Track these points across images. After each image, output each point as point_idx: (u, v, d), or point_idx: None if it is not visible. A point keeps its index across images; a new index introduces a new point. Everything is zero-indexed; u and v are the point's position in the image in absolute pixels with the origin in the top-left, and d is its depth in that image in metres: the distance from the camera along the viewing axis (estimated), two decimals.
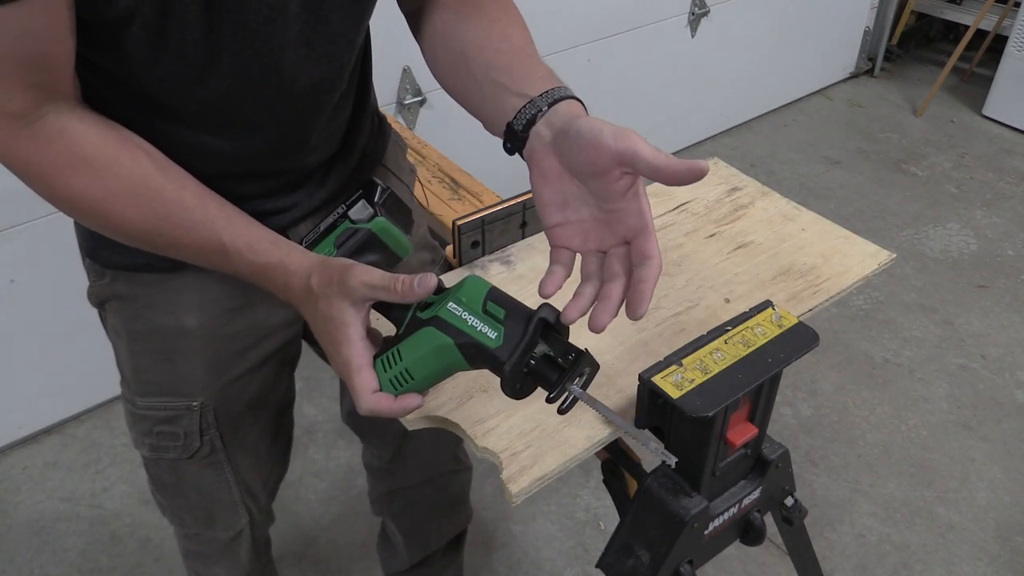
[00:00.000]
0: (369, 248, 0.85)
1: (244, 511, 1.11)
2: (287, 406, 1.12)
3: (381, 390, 0.72)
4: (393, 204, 0.87)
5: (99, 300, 0.96)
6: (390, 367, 0.72)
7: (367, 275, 0.70)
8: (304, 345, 1.09)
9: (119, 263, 0.90)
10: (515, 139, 0.75)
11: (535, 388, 0.72)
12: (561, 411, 0.71)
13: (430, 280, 0.69)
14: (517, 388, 0.70)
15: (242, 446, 1.04)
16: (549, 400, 0.70)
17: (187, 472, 1.03)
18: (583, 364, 0.70)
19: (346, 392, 1.27)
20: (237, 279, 0.82)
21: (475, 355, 0.69)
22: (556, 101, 0.73)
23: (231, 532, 1.13)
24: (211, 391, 0.96)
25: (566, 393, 0.70)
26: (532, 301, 1.01)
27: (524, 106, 0.74)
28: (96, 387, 2.03)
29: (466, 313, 0.69)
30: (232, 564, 1.19)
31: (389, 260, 0.87)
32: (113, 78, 0.75)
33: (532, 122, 0.73)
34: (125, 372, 0.99)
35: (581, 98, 0.76)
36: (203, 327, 0.93)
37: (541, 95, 0.74)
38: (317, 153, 0.90)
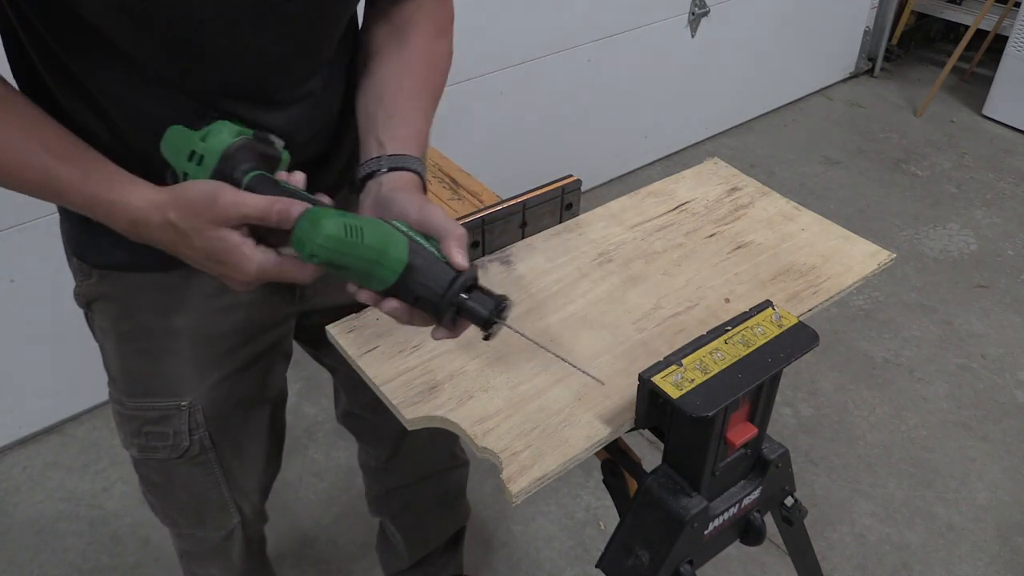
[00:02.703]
0: (241, 159, 0.75)
1: (235, 511, 1.11)
2: (279, 405, 1.11)
3: (321, 232, 0.68)
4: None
5: (86, 300, 0.95)
6: (344, 216, 0.70)
7: (237, 200, 0.69)
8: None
9: (105, 262, 0.89)
10: (354, 182, 0.83)
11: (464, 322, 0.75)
12: (487, 338, 0.75)
13: (294, 208, 0.69)
14: (449, 317, 0.73)
15: (232, 445, 1.04)
16: (486, 331, 0.74)
17: (177, 472, 1.03)
18: (505, 302, 0.75)
19: (340, 393, 1.27)
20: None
21: (421, 267, 0.72)
22: (397, 168, 0.81)
23: (222, 531, 1.13)
24: (200, 391, 0.96)
25: (495, 325, 0.74)
26: (534, 301, 1.01)
27: (372, 159, 0.82)
28: (96, 387, 2.02)
29: (413, 233, 0.73)
30: (225, 564, 1.19)
31: (268, 164, 0.78)
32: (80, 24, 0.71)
33: (371, 176, 0.81)
34: (113, 373, 0.98)
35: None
36: (192, 327, 0.92)
37: (391, 155, 0.82)
38: (305, 152, 0.90)
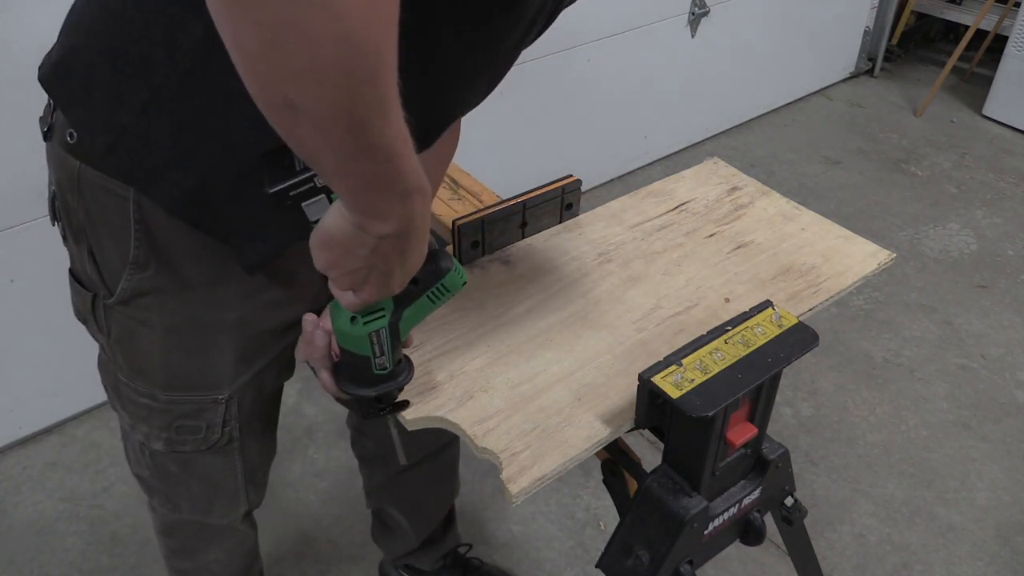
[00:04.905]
0: None
1: (244, 499, 1.12)
2: (282, 388, 1.12)
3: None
4: None
5: (132, 294, 0.88)
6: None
7: None
8: None
9: (257, 253, 0.85)
10: None
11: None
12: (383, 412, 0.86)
13: None
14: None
15: (255, 434, 1.05)
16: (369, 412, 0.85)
17: (197, 462, 1.03)
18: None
19: None
20: (279, 273, 0.87)
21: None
22: None
23: (226, 520, 1.14)
24: (238, 384, 0.96)
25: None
26: (533, 302, 1.01)
27: None
28: (96, 387, 2.00)
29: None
30: (222, 547, 1.21)
31: None
32: None
33: None
34: (144, 367, 0.94)
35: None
36: (241, 321, 0.91)
37: None
38: None
